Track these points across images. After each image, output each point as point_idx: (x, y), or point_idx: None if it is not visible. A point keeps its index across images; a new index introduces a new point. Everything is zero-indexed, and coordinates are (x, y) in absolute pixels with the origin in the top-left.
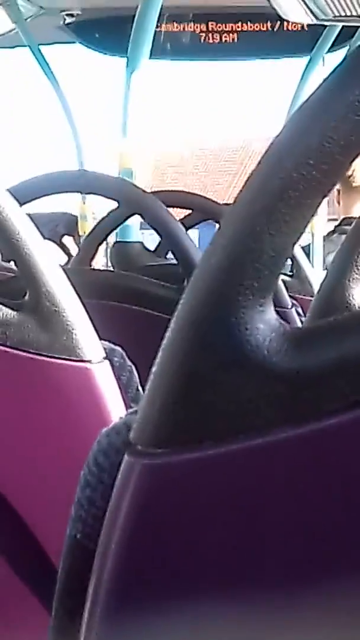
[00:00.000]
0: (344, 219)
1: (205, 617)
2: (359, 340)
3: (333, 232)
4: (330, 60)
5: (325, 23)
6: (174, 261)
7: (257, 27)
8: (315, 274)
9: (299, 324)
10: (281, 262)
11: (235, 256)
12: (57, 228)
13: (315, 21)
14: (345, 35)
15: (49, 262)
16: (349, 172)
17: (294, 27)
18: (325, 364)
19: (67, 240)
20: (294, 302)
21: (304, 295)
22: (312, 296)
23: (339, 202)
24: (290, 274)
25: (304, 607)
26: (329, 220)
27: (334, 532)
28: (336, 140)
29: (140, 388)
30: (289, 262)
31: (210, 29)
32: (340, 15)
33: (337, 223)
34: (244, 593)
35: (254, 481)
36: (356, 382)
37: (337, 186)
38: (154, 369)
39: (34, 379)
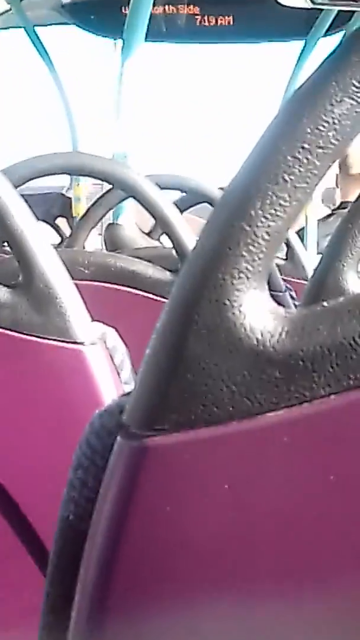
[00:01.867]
0: (341, 203)
1: (197, 599)
2: (353, 324)
3: (329, 216)
4: (326, 44)
5: (322, 7)
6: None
7: (253, 10)
8: (309, 258)
9: (293, 308)
10: (276, 246)
11: (229, 239)
12: (50, 209)
13: (311, 5)
14: (341, 20)
15: (42, 243)
16: (347, 159)
17: (290, 11)
18: (319, 348)
19: (61, 222)
20: (288, 285)
21: (297, 279)
22: (305, 280)
23: (337, 186)
24: (284, 257)
25: (299, 591)
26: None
27: (327, 516)
28: (332, 124)
29: (133, 370)
30: (283, 245)
31: (205, 11)
32: (337, 0)
33: (335, 207)
34: (235, 575)
35: (246, 465)
36: (349, 366)
37: (336, 171)
38: (147, 351)
39: (26, 361)
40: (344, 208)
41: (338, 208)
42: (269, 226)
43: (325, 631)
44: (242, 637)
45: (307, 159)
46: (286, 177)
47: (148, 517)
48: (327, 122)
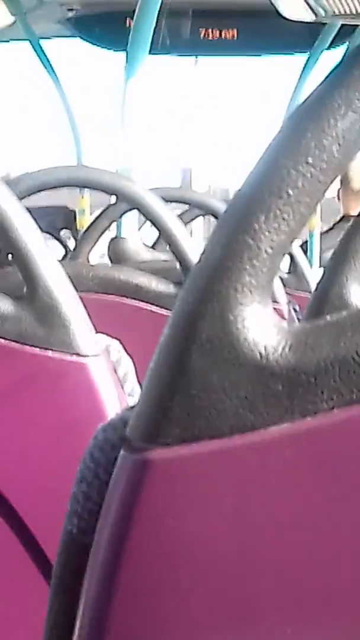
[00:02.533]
0: (343, 216)
1: (199, 613)
2: (355, 338)
3: (331, 229)
4: (330, 58)
5: (325, 21)
6: (172, 257)
7: (256, 24)
8: (313, 271)
9: (296, 321)
10: (279, 260)
11: (233, 253)
12: (54, 222)
13: (314, 19)
14: (344, 33)
15: (46, 255)
16: (348, 174)
17: (294, 24)
18: (322, 362)
19: (65, 235)
20: (291, 299)
21: (301, 292)
22: (309, 293)
23: (338, 198)
24: (288, 271)
25: (301, 607)
26: None
27: (330, 528)
28: (335, 138)
29: (137, 382)
30: (287, 258)
31: (209, 25)
32: (340, 13)
33: (336, 220)
34: (237, 589)
35: (249, 479)
36: (352, 380)
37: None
38: (150, 364)
39: (30, 373)
40: (347, 221)
41: (339, 222)
42: (272, 240)
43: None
44: None
45: (311, 173)
46: (290, 192)
47: (151, 530)
48: (331, 136)
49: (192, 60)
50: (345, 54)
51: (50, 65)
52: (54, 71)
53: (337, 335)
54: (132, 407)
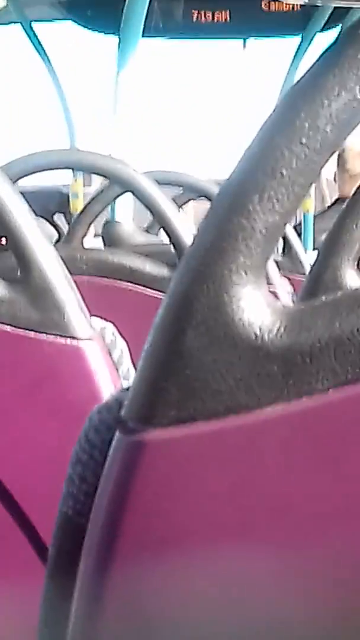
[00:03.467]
0: (338, 198)
1: (196, 592)
2: (350, 318)
3: (326, 211)
4: (323, 40)
5: (318, 3)
6: (166, 240)
7: (249, 6)
8: (307, 254)
9: (291, 303)
10: (274, 241)
11: (227, 234)
12: (48, 206)
13: (307, 2)
14: (337, 15)
15: (40, 239)
16: (344, 155)
17: (286, 7)
18: (317, 342)
19: (59, 218)
20: (286, 281)
21: (295, 275)
22: (303, 275)
23: (335, 180)
24: (282, 253)
25: (297, 581)
26: None
27: (325, 509)
28: (329, 118)
29: (132, 365)
30: (281, 241)
31: (202, 7)
32: None
33: (331, 202)
34: (233, 572)
35: (245, 458)
36: (347, 361)
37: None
38: (145, 346)
39: (24, 356)
40: (341, 203)
41: (334, 204)
42: (267, 221)
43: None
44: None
45: (305, 153)
46: (284, 172)
47: (146, 511)
48: (325, 116)
49: (185, 45)
50: (338, 35)
51: (43, 48)
52: (46, 55)
53: (332, 315)
54: (126, 389)
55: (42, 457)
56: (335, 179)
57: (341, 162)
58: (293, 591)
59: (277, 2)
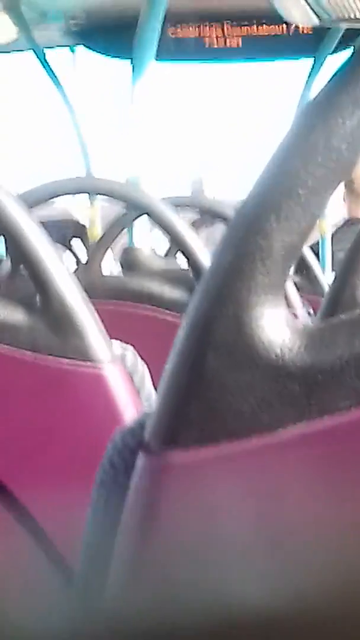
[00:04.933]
0: (347, 220)
1: (225, 622)
2: None
3: (335, 233)
4: (335, 62)
5: (329, 25)
6: (185, 266)
7: (261, 30)
8: (325, 274)
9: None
10: (291, 260)
11: (245, 254)
12: (66, 234)
13: (319, 24)
14: (348, 37)
15: (58, 265)
16: (354, 176)
17: (298, 29)
18: (337, 361)
19: (76, 245)
20: (305, 302)
21: (313, 295)
22: (322, 296)
23: (344, 201)
24: (301, 273)
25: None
26: None
27: (350, 527)
28: (344, 137)
29: (153, 388)
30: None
31: (214, 33)
32: (344, 18)
33: (341, 224)
34: (262, 589)
35: (268, 479)
36: None
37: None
38: (166, 368)
39: (46, 382)
40: (352, 224)
41: (343, 225)
42: (284, 240)
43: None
44: None
45: (321, 172)
46: (300, 192)
47: (173, 533)
48: (339, 134)
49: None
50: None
51: (55, 75)
52: (59, 81)
53: (352, 333)
54: (149, 412)
55: (65, 482)
56: (343, 199)
57: (349, 182)
58: (319, 611)
59: (289, 25)
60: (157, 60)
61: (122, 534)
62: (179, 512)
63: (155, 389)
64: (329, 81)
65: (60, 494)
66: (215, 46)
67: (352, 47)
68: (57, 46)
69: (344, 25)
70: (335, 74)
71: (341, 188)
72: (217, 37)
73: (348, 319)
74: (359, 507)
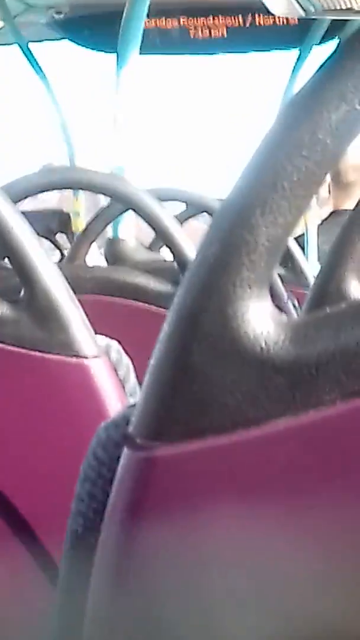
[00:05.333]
0: (333, 211)
1: (210, 611)
2: (355, 329)
3: (320, 224)
4: (321, 53)
5: (315, 17)
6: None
7: (245, 21)
8: (310, 266)
9: (296, 316)
10: (277, 254)
11: (231, 248)
12: (50, 225)
13: (304, 15)
14: (335, 28)
15: (43, 258)
16: (340, 168)
17: (283, 20)
18: (323, 354)
19: (61, 238)
20: (290, 294)
21: (299, 288)
22: (307, 288)
23: (329, 192)
24: (286, 266)
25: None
26: None
27: (334, 521)
28: (328, 130)
29: (137, 382)
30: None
31: (199, 23)
32: (330, 9)
33: (326, 216)
34: (250, 583)
35: (254, 472)
36: (353, 372)
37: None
38: (151, 362)
39: (30, 376)
40: (337, 216)
41: (329, 216)
42: (269, 234)
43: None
44: None
45: (306, 165)
46: (285, 185)
47: (157, 527)
48: (325, 128)
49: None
50: (336, 47)
51: (41, 68)
52: (44, 74)
53: (338, 327)
54: (133, 405)
55: (50, 475)
56: (329, 191)
57: (335, 174)
58: (309, 597)
59: (274, 17)
60: (141, 53)
61: (107, 528)
62: (163, 505)
63: (140, 383)
64: (313, 74)
65: (45, 489)
66: (200, 37)
67: (338, 39)
68: (42, 40)
69: (330, 17)
70: (320, 67)
71: (327, 180)
72: (201, 28)
73: (334, 312)
74: (345, 499)
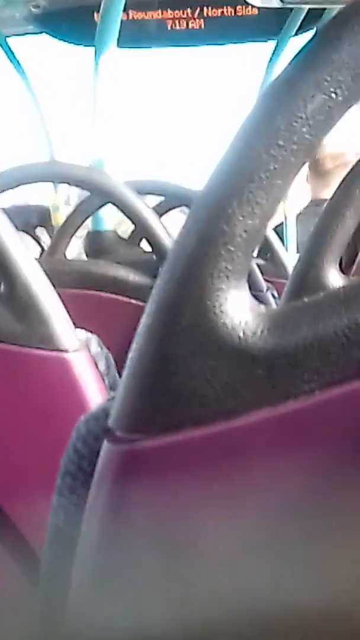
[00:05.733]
0: (311, 201)
1: (193, 603)
2: (334, 318)
3: (299, 214)
4: (298, 44)
5: (292, 6)
6: (148, 249)
7: (223, 12)
8: (289, 257)
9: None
10: (254, 244)
11: (208, 239)
12: (29, 220)
13: (281, 5)
14: (312, 18)
15: (22, 252)
16: (318, 157)
17: (261, 11)
18: (301, 343)
19: (41, 232)
20: (269, 285)
21: (278, 278)
22: (286, 279)
23: (307, 182)
24: (265, 257)
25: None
26: None
27: (314, 511)
28: (305, 119)
29: (118, 375)
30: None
31: (176, 15)
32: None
33: (305, 206)
34: (234, 577)
35: (234, 464)
36: (331, 361)
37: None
38: (130, 354)
39: (10, 370)
40: (315, 205)
41: (308, 206)
42: (246, 224)
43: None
44: None
45: (282, 155)
46: (262, 175)
47: (138, 519)
48: (301, 117)
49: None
50: (312, 37)
51: (18, 62)
52: (22, 69)
53: (316, 316)
54: (112, 398)
55: (31, 470)
56: (307, 180)
57: (314, 163)
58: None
59: (251, 7)
60: (119, 47)
61: (87, 522)
62: (143, 497)
63: (121, 376)
64: (289, 64)
65: (25, 482)
66: (178, 29)
67: (315, 29)
68: (20, 34)
69: (307, 6)
70: (295, 57)
71: (305, 170)
72: (179, 20)
73: (312, 301)
74: (322, 491)
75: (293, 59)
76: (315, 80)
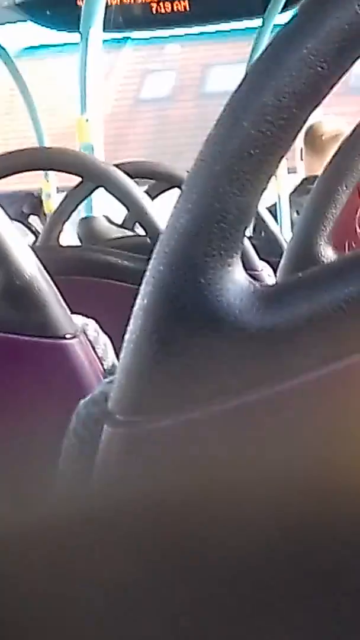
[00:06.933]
0: (305, 178)
1: (198, 583)
2: (329, 293)
3: (293, 192)
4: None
5: None
6: (142, 233)
7: None
8: (283, 235)
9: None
10: (247, 221)
11: (200, 218)
12: (22, 208)
13: None
14: None
15: (16, 240)
16: (314, 135)
17: None
18: (298, 319)
19: (34, 220)
20: (265, 264)
21: (273, 257)
22: (281, 257)
23: (301, 159)
24: (259, 236)
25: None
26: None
27: (316, 487)
28: (292, 94)
29: (116, 359)
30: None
31: None
32: None
33: (298, 183)
34: (231, 556)
35: (236, 442)
36: (328, 336)
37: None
38: (126, 337)
39: (8, 359)
40: (309, 183)
41: (301, 184)
42: (238, 202)
43: None
44: None
45: (271, 131)
46: (251, 152)
47: (143, 501)
48: (288, 93)
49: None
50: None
51: (5, 49)
52: (9, 56)
53: (311, 291)
54: (110, 381)
55: (30, 457)
56: (301, 158)
57: (307, 140)
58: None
59: None
60: (105, 31)
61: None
62: (145, 480)
63: (119, 360)
64: (273, 39)
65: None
66: (162, 11)
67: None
68: (5, 22)
69: None
70: (279, 31)
71: (298, 146)
72: (163, 3)
73: (307, 276)
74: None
75: (277, 33)
76: (301, 54)
